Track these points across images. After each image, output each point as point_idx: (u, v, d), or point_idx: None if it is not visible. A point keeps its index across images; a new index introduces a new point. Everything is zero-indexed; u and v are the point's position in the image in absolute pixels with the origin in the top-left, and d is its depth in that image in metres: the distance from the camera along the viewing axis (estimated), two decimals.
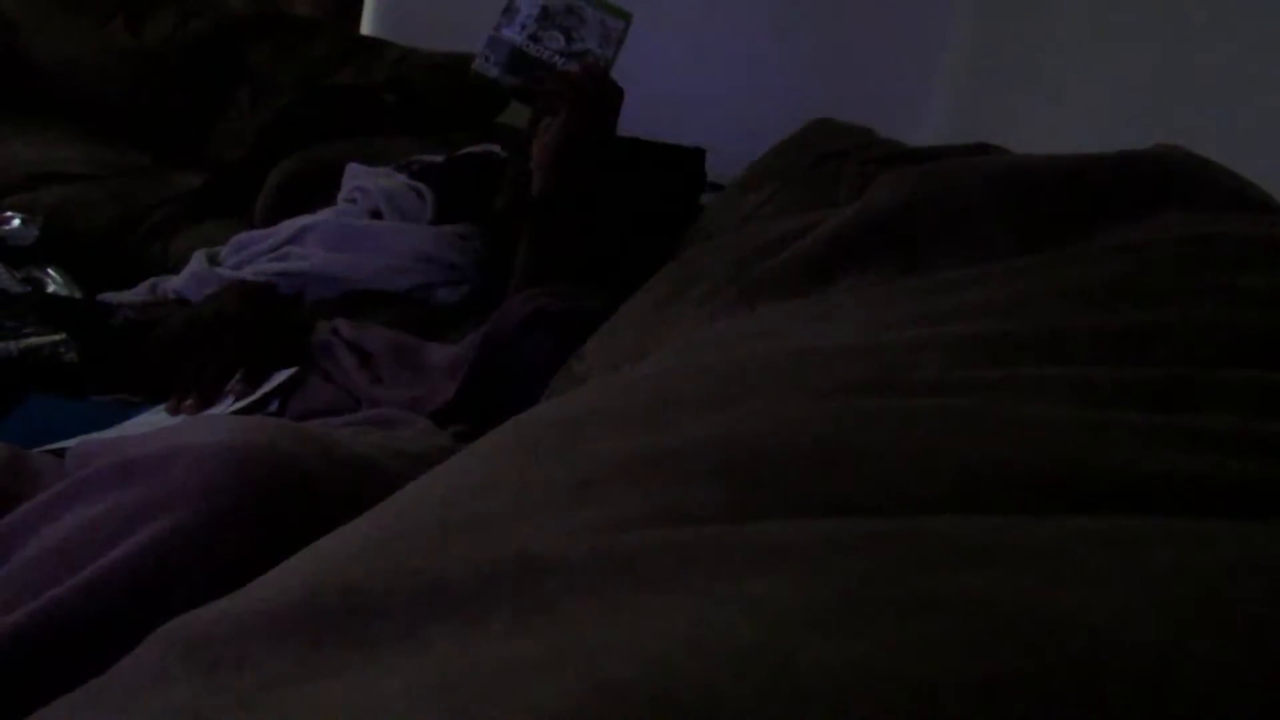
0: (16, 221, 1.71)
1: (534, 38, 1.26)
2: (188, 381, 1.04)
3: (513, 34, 1.26)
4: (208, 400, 1.01)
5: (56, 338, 1.10)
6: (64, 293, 1.43)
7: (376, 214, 1.53)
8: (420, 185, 1.56)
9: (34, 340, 1.09)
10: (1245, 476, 0.33)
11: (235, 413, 0.98)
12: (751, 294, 0.71)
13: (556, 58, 1.26)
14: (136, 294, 1.43)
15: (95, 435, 0.91)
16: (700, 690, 0.23)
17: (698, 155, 1.62)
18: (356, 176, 1.61)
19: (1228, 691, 0.22)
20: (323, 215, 1.52)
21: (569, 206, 1.28)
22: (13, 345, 1.07)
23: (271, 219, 1.65)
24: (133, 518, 0.60)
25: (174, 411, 1.01)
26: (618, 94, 1.28)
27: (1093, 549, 0.29)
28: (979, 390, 0.41)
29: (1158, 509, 0.32)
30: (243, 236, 1.53)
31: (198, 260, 1.48)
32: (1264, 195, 0.63)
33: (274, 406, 0.99)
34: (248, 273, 1.41)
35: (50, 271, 1.48)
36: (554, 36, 1.26)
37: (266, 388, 1.01)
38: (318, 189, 1.67)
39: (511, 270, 1.31)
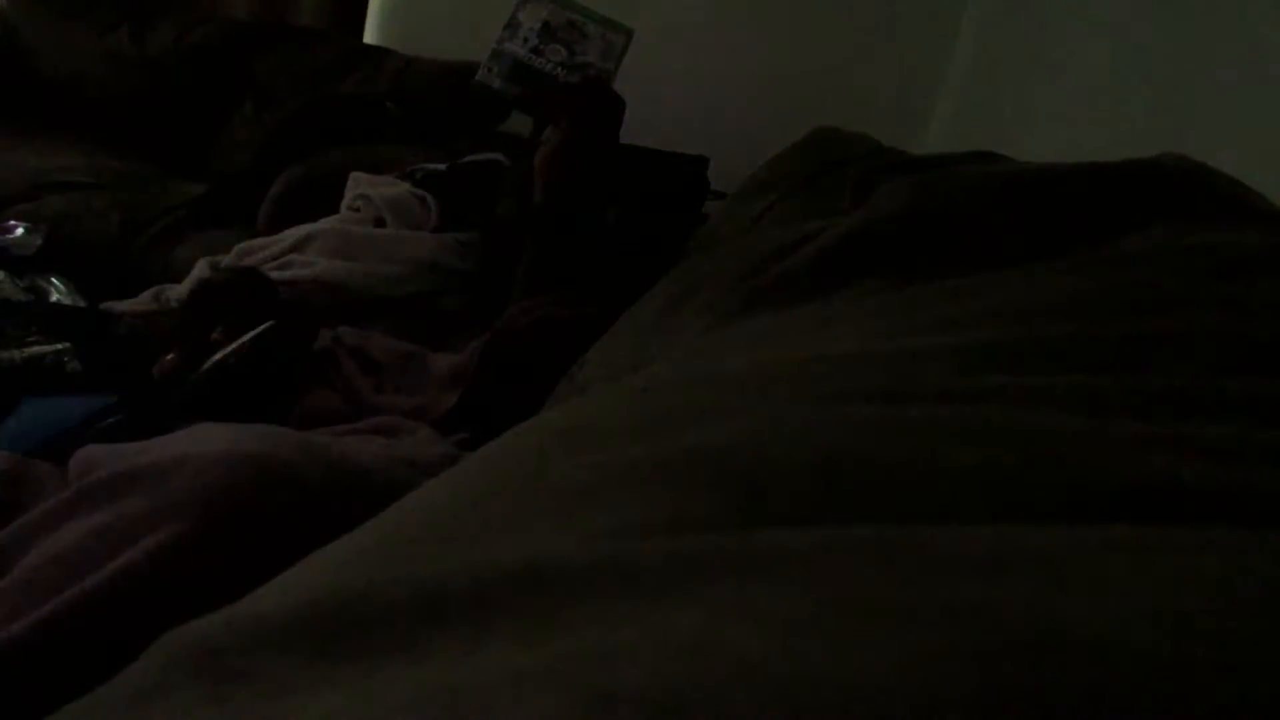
0: (20, 230, 1.72)
1: (536, 51, 1.27)
2: (171, 342, 1.05)
3: (515, 47, 1.27)
4: (189, 356, 1.02)
5: (60, 346, 1.10)
6: (67, 301, 1.44)
7: (380, 222, 1.54)
8: (424, 193, 1.56)
9: (37, 349, 1.09)
10: (1250, 486, 0.33)
11: (216, 362, 0.99)
12: (754, 302, 0.71)
13: (558, 70, 1.27)
14: (140, 302, 1.44)
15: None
16: (703, 700, 0.23)
17: (700, 163, 1.63)
18: (359, 185, 1.61)
19: (1232, 702, 0.22)
20: (326, 223, 1.53)
21: (571, 216, 1.29)
22: (16, 354, 1.07)
23: (275, 227, 1.66)
24: (134, 527, 0.60)
25: (161, 373, 1.01)
26: (619, 104, 1.29)
27: (1096, 558, 0.29)
28: (982, 399, 0.41)
29: (1161, 518, 0.32)
30: (246, 244, 1.53)
31: (201, 268, 1.48)
32: (1270, 204, 0.63)
33: (249, 346, 1.00)
34: None
35: (54, 280, 1.49)
36: (556, 50, 1.27)
37: (245, 338, 1.01)
38: (321, 197, 1.68)
39: (513, 278, 1.31)
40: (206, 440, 0.65)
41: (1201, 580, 0.27)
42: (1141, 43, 1.51)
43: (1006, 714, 0.22)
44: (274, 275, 1.41)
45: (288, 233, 1.52)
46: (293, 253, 1.47)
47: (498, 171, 1.63)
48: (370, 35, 2.97)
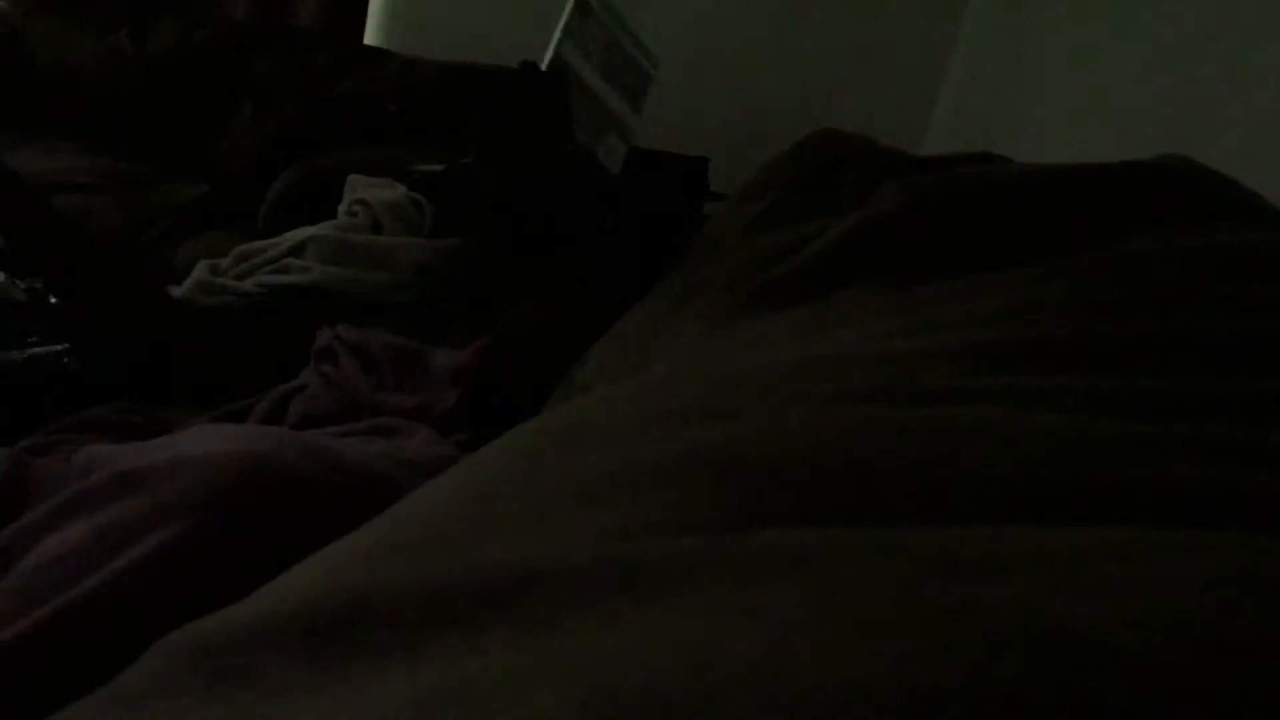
0: None
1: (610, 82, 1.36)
2: None
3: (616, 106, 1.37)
4: None
5: (60, 346, 1.10)
6: None
7: (378, 226, 1.54)
8: (419, 197, 1.56)
9: (37, 350, 1.09)
10: (1251, 487, 0.33)
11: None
12: (754, 303, 0.71)
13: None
14: None
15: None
16: (702, 700, 0.23)
17: (700, 164, 1.62)
18: (357, 189, 1.62)
19: (1232, 703, 0.22)
20: (324, 228, 1.53)
21: (541, 209, 1.28)
22: (16, 354, 1.07)
23: (275, 229, 1.65)
24: (135, 528, 0.60)
25: None
26: (550, 82, 1.28)
27: (1097, 559, 0.29)
28: (983, 400, 0.41)
29: (1163, 519, 0.32)
30: (246, 248, 1.53)
31: (201, 270, 1.48)
32: (1269, 205, 0.63)
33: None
34: (249, 284, 1.41)
35: None
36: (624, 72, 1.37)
37: None
38: (321, 199, 1.67)
39: (510, 280, 1.31)
40: (207, 441, 0.65)
41: (1201, 580, 0.27)
42: (1142, 43, 1.51)
43: (1006, 715, 0.22)
44: (272, 280, 1.41)
45: (286, 236, 1.52)
46: (290, 257, 1.47)
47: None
48: (370, 36, 2.97)
